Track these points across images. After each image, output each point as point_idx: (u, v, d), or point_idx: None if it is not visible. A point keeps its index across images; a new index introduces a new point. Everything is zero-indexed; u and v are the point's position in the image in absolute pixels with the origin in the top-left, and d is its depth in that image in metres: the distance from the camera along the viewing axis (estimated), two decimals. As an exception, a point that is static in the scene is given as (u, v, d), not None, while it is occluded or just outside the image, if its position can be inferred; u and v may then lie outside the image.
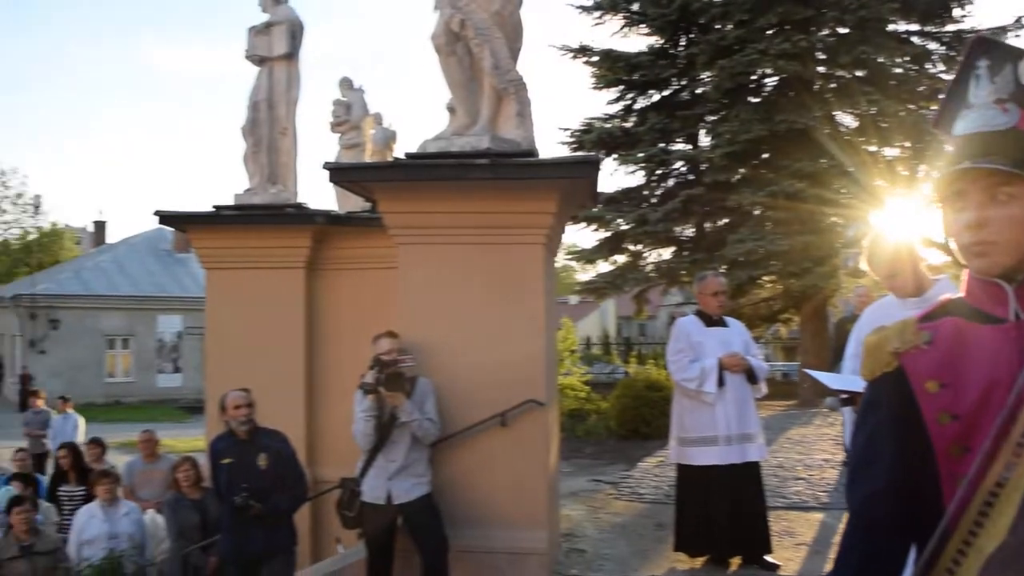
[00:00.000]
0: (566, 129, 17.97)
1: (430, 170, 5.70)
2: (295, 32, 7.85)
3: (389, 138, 10.43)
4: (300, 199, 7.78)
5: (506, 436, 5.64)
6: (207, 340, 7.87)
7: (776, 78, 16.55)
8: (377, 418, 5.24)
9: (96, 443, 9.18)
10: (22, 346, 31.26)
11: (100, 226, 51.77)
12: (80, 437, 13.69)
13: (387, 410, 5.27)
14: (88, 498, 8.33)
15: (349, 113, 10.21)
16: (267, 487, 5.17)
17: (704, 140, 17.60)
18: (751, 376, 5.80)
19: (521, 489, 5.67)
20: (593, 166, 6.15)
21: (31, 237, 51.82)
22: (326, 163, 6.10)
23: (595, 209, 15.43)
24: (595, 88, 18.12)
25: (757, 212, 16.39)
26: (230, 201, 7.73)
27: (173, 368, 33.79)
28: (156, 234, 38.94)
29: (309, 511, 6.77)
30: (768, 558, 5.76)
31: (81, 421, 14.05)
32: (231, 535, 5.39)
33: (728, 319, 6.08)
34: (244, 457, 5.22)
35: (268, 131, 7.87)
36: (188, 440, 17.08)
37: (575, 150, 17.40)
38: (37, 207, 45.94)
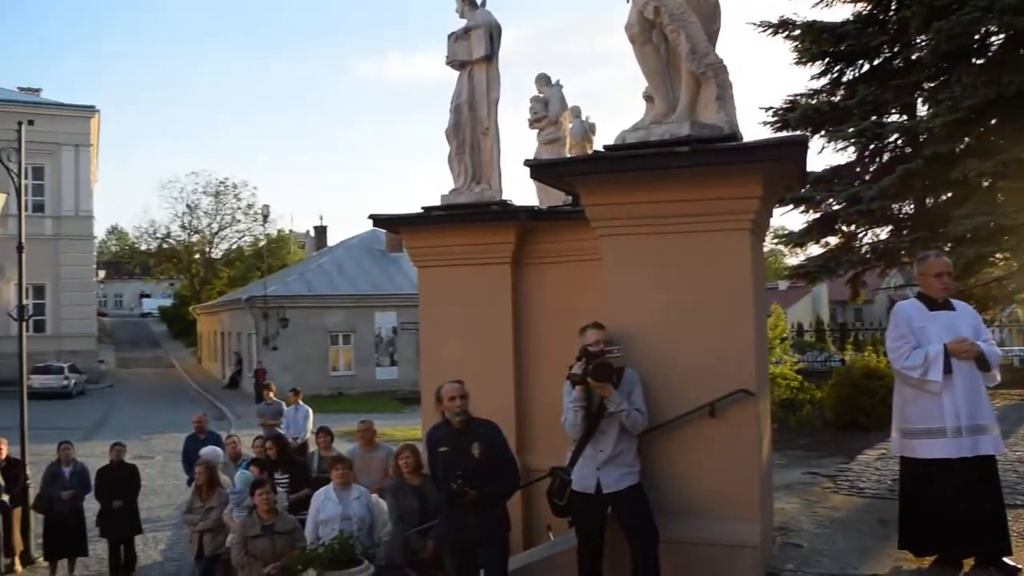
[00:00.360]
0: (768, 108, 17.36)
1: (630, 161, 5.68)
2: (493, 34, 8.05)
3: (588, 131, 10.48)
4: (504, 196, 7.99)
5: (715, 426, 5.53)
6: (421, 334, 8.26)
7: (1002, 35, 15.18)
8: (586, 408, 5.31)
9: (325, 432, 9.86)
10: (257, 343, 34.14)
11: (321, 231, 55.58)
12: (309, 427, 14.83)
13: (595, 400, 5.33)
14: (291, 485, 8.99)
15: (547, 109, 10.33)
16: (481, 475, 5.33)
17: (922, 110, 16.44)
18: (982, 363, 5.36)
19: (732, 480, 5.54)
20: (800, 146, 5.90)
21: (261, 244, 56.43)
22: (526, 160, 6.23)
23: (803, 190, 14.78)
24: (797, 63, 17.34)
25: (986, 184, 15.11)
26: (437, 202, 8.07)
27: (390, 361, 35.74)
28: (371, 236, 41.37)
29: (520, 499, 6.95)
30: (1008, 560, 5.30)
31: (310, 412, 15.20)
32: (447, 520, 5.62)
33: (955, 302, 5.63)
34: (459, 446, 5.42)
35: (471, 132, 8.14)
36: (404, 429, 18.07)
37: (779, 129, 16.76)
38: (266, 216, 50.12)
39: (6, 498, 10.21)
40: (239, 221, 61.78)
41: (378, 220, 8.32)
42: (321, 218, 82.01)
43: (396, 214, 8.28)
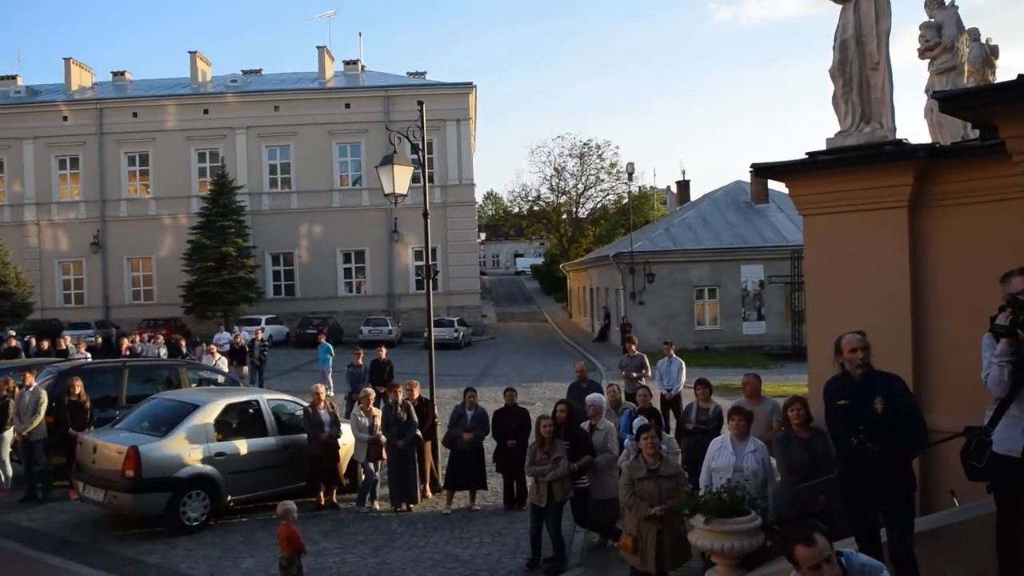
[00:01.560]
0: None
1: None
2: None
3: (989, 55, 9.33)
4: (897, 135, 7.39)
5: None
6: (808, 285, 7.99)
7: None
8: (1013, 363, 4.79)
9: (703, 384, 9.92)
10: (624, 298, 35.19)
11: (683, 185, 55.54)
12: (683, 379, 15.01)
13: (1024, 355, 4.78)
14: (572, 453, 8.92)
15: (940, 35, 9.34)
16: (883, 430, 5.05)
17: None
18: None
19: None
20: None
21: (624, 201, 57.86)
22: (935, 92, 5.71)
23: None
24: None
25: None
26: (821, 146, 7.68)
27: (757, 316, 34.94)
28: (735, 188, 40.52)
29: (920, 459, 6.49)
30: None
31: (683, 364, 15.38)
32: (847, 476, 5.40)
33: None
34: (859, 399, 5.17)
35: (858, 69, 7.62)
36: (774, 386, 17.52)
37: None
38: (630, 174, 51.37)
39: (419, 433, 11.65)
40: (603, 180, 64.01)
41: (759, 169, 8.14)
42: (683, 173, 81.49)
43: (778, 161, 8.02)
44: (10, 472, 12.46)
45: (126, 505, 10.10)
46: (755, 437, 7.22)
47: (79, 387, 12.32)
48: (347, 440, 11.82)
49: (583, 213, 66.75)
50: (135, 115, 42.38)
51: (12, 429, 12.19)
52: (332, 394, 16.84)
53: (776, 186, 31.19)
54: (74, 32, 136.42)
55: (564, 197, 66.09)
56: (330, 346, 22.18)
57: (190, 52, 47.08)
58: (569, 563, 9.04)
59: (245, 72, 48.24)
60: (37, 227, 42.39)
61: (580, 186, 65.07)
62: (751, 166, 8.00)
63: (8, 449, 12.41)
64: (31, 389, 12.11)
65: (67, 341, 22.20)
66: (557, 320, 53.25)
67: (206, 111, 42.43)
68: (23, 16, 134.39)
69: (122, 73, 49.33)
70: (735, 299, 35.02)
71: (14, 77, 48.04)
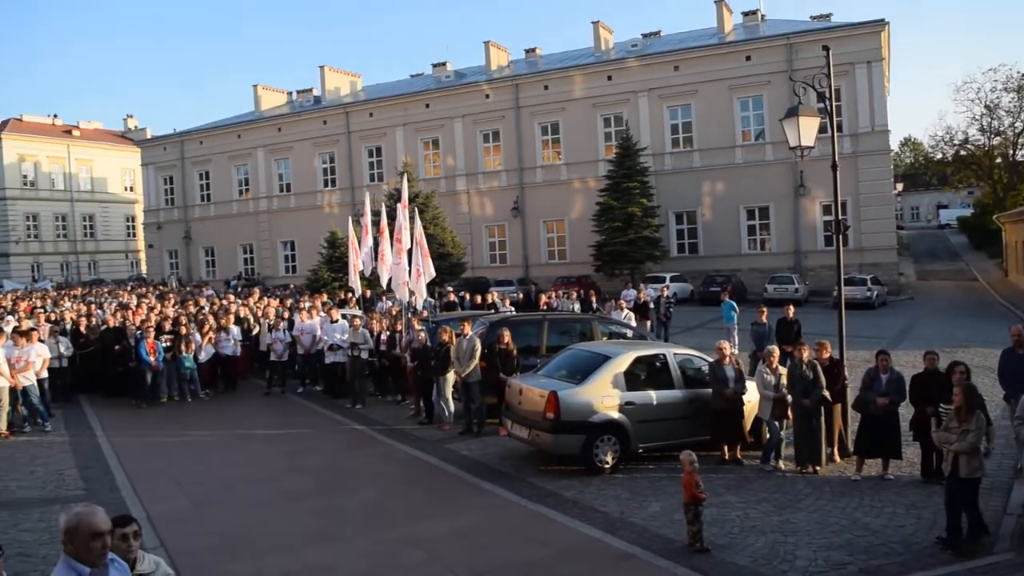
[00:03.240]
0: None
1: None
2: None
3: None
4: None
5: None
6: None
7: None
8: None
9: None
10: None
11: None
12: None
13: None
14: None
15: None
16: None
17: None
18: None
19: None
20: None
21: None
22: None
23: None
24: None
25: None
26: None
27: None
28: None
29: None
30: None
31: None
32: None
33: None
34: None
35: None
36: None
37: None
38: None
39: (827, 394, 11.19)
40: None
41: None
42: None
43: None
44: (452, 408, 14.40)
45: (546, 444, 11.11)
46: None
47: (507, 337, 13.83)
48: (751, 397, 11.79)
49: (1022, 156, 58.31)
50: (546, 88, 45.46)
51: (453, 371, 14.05)
52: (736, 351, 16.84)
53: None
54: (492, 17, 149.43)
55: (998, 138, 58.38)
56: (734, 304, 22.09)
57: (592, 22, 49.24)
58: (997, 546, 8.16)
59: (645, 35, 49.35)
60: (467, 195, 47.58)
61: (1018, 124, 56.88)
62: None
63: (450, 389, 14.34)
64: (468, 337, 13.84)
65: (494, 296, 24.71)
66: (989, 279, 47.34)
67: (609, 77, 44.13)
68: (448, 9, 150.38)
69: (533, 50, 53.30)
70: None
71: (444, 64, 54.43)
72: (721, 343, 12.04)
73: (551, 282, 38.61)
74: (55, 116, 71.58)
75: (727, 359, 11.68)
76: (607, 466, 11.01)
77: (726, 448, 11.57)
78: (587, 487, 10.50)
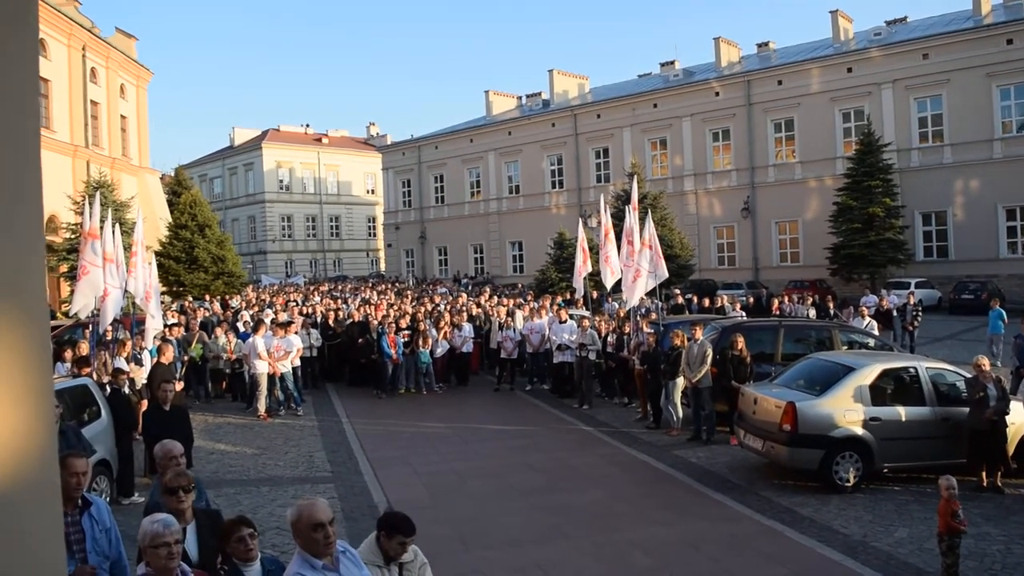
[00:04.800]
0: None
1: None
2: None
3: None
4: None
5: None
6: None
7: None
8: None
9: None
10: None
11: None
12: None
13: None
14: None
15: None
16: None
17: None
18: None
19: None
20: None
21: None
22: None
23: None
24: None
25: None
26: None
27: None
28: None
29: None
30: None
31: None
32: None
33: None
34: None
35: None
36: None
37: None
38: None
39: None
40: None
41: None
42: None
43: None
44: (680, 414, 14.15)
45: (781, 456, 10.65)
46: None
47: (740, 343, 13.39)
48: (1016, 418, 10.68)
49: None
50: (780, 83, 43.65)
51: (682, 376, 13.79)
52: (999, 365, 15.37)
53: None
54: (722, 13, 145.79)
55: None
56: (1003, 312, 20.13)
57: (830, 12, 46.63)
58: None
59: (888, 23, 46.07)
60: (695, 195, 46.69)
61: None
62: None
63: (679, 394, 14.09)
64: (699, 342, 13.55)
65: (723, 300, 24.09)
66: None
67: (849, 69, 41.62)
68: (676, 7, 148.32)
69: (766, 44, 51.28)
70: None
71: (672, 62, 53.72)
72: (980, 357, 10.99)
73: (783, 286, 37.02)
74: (307, 125, 78.14)
75: (986, 374, 10.64)
76: (848, 484, 10.38)
77: (984, 474, 10.54)
78: (825, 505, 9.96)
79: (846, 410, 10.43)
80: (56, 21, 33.32)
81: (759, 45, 51.55)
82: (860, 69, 41.16)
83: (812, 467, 10.47)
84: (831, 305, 23.88)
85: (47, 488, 1.15)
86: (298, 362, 17.21)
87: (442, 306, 24.67)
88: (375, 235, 75.91)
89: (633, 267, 16.70)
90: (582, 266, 20.40)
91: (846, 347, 14.44)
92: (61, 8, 34.33)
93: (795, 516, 9.59)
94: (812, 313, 22.29)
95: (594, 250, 22.49)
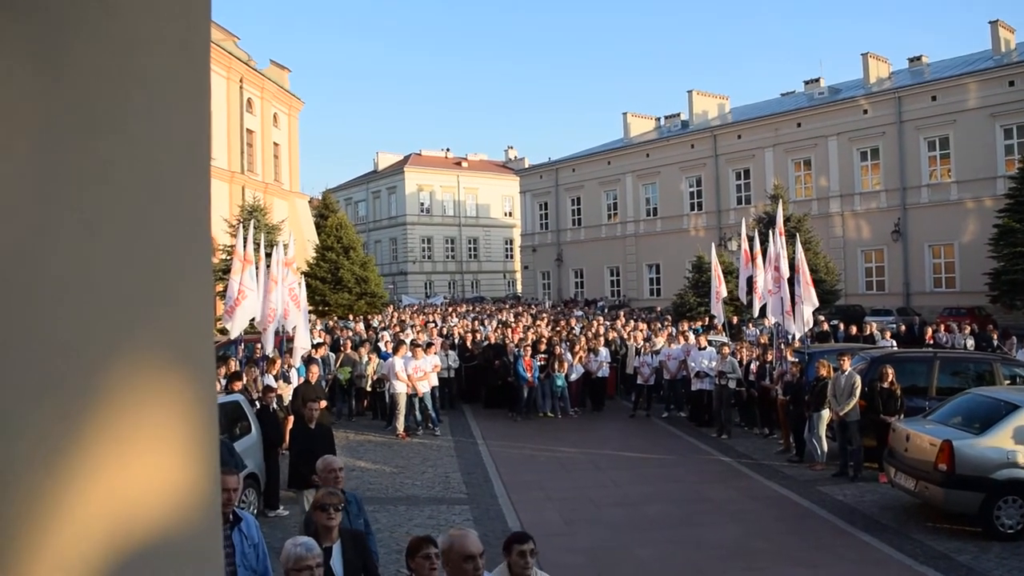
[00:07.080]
0: None
1: None
2: None
3: None
4: None
5: None
6: None
7: None
8: None
9: None
10: None
11: None
12: None
13: None
14: None
15: None
16: None
17: None
18: None
19: None
20: None
21: None
22: None
23: None
24: None
25: None
26: None
27: None
28: None
29: None
30: None
31: None
32: None
33: None
34: None
35: None
36: None
37: None
38: None
39: None
40: None
41: None
42: None
43: None
44: (825, 448, 13.55)
45: (936, 498, 10.02)
46: None
47: (891, 374, 12.71)
48: None
49: None
50: (934, 98, 41.45)
51: (828, 408, 13.21)
52: None
53: None
54: (870, 27, 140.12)
55: None
56: None
57: (990, 22, 44.03)
58: None
59: (1059, 32, 43.08)
60: (841, 218, 44.86)
61: None
62: None
63: (825, 427, 13.50)
64: (847, 373, 12.94)
65: (872, 327, 22.96)
66: None
67: (1011, 83, 39.05)
68: (822, 23, 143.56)
69: (918, 58, 48.88)
70: None
71: (817, 80, 51.92)
72: None
73: (936, 313, 34.95)
74: (447, 150, 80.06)
75: None
76: (1011, 532, 9.64)
77: None
78: (985, 553, 9.29)
79: (1010, 451, 9.71)
80: (217, 56, 35.59)
81: (911, 59, 49.21)
82: (1023, 82, 38.64)
83: (971, 511, 9.79)
84: (994, 335, 22.30)
85: (212, 551, 1.20)
86: (436, 382, 17.55)
87: (577, 329, 24.63)
88: (512, 257, 76.80)
89: (780, 294, 16.13)
90: (719, 290, 19.94)
91: (1008, 382, 13.46)
92: (221, 43, 36.69)
93: (951, 563, 8.99)
94: (971, 343, 20.90)
95: (733, 274, 21.93)
